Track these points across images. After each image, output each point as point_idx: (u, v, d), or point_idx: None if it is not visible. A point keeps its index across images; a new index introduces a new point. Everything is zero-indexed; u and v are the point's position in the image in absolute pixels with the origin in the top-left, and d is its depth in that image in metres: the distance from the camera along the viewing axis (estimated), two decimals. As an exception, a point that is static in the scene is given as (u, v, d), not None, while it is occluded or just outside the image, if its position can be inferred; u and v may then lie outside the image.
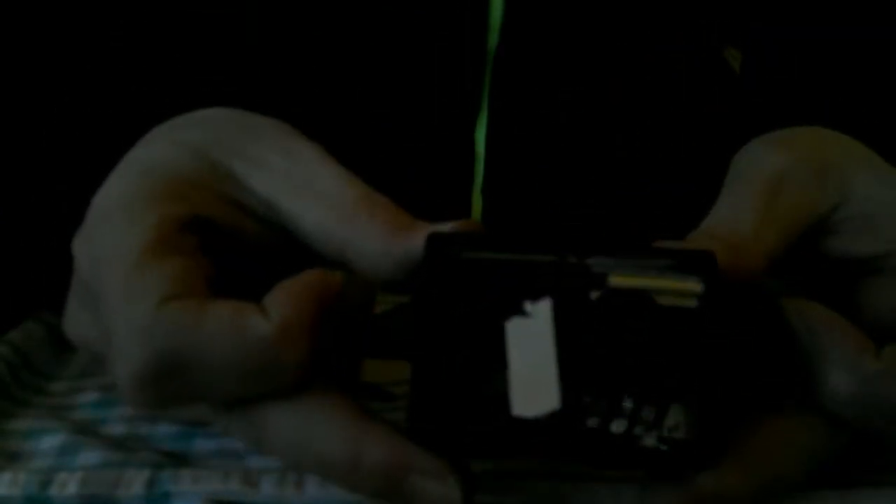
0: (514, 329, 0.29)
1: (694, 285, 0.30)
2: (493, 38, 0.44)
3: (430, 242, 0.30)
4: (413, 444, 0.29)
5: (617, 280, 0.30)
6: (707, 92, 0.36)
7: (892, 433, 0.33)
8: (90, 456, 0.35)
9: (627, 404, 0.29)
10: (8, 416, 0.38)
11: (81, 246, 0.32)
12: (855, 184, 0.34)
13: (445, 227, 0.31)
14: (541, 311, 0.29)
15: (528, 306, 0.29)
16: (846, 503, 0.34)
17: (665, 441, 0.29)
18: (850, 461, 0.36)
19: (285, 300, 0.29)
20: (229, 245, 0.32)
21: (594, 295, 0.30)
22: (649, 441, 0.29)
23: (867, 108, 0.39)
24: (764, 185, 0.34)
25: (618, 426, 0.29)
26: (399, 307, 0.40)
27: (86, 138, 0.40)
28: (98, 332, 0.31)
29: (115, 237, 0.30)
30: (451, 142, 0.44)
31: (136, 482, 0.33)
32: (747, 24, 0.43)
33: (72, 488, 0.33)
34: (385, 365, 0.38)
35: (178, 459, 0.35)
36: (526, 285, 0.30)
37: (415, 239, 0.30)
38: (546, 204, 0.45)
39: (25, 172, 0.40)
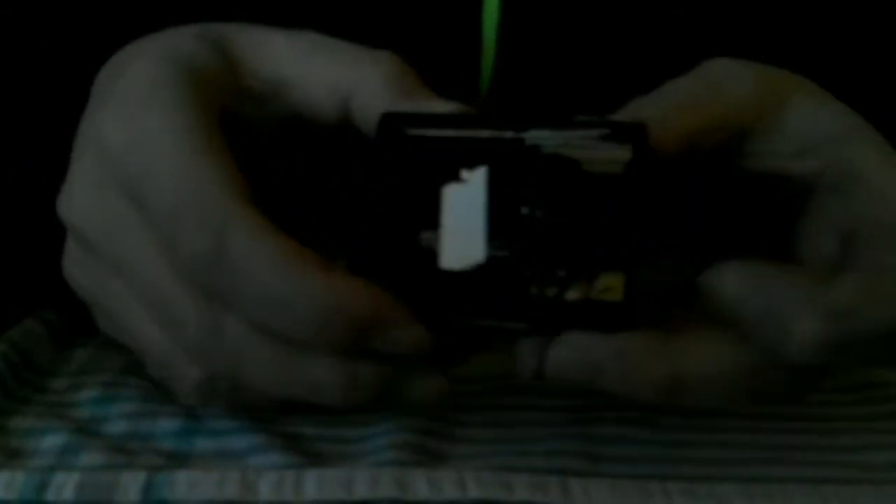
0: (450, 193, 0.31)
1: (623, 154, 0.30)
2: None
3: (383, 120, 0.32)
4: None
5: (549, 151, 0.31)
6: None
7: (861, 365, 0.32)
8: (90, 458, 0.35)
9: (559, 269, 0.30)
10: (9, 414, 0.37)
11: (114, 129, 0.31)
12: (796, 102, 0.33)
13: (442, 105, 0.32)
14: (476, 178, 0.31)
15: (464, 174, 0.31)
16: (846, 501, 0.34)
17: (594, 303, 0.30)
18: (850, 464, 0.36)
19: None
20: (238, 138, 0.32)
21: (527, 164, 0.31)
22: (578, 302, 0.30)
23: (869, 106, 0.38)
24: (698, 78, 0.34)
25: (549, 289, 0.30)
26: None
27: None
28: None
29: (163, 122, 0.30)
30: None
31: (132, 488, 0.33)
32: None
33: (68, 493, 0.32)
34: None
35: (178, 460, 0.35)
36: (463, 156, 0.31)
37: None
38: None
39: (25, 172, 0.40)
